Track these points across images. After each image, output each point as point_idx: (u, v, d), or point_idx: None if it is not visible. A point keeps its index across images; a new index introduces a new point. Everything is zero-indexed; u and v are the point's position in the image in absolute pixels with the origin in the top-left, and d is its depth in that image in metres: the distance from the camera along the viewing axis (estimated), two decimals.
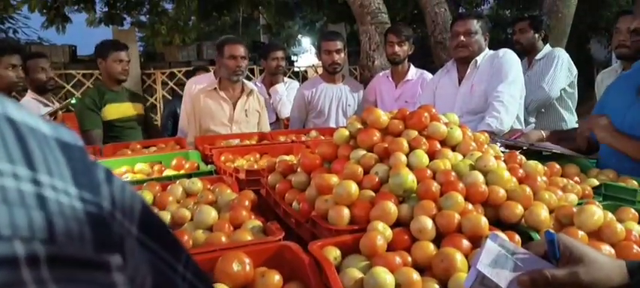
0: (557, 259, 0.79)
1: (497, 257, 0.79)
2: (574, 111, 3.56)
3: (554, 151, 1.87)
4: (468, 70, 2.83)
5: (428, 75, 3.50)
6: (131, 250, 0.31)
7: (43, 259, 0.25)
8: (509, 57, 2.76)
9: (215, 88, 3.19)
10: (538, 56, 3.52)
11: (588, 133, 1.87)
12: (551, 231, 0.82)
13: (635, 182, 1.63)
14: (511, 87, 2.64)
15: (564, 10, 4.99)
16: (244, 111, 3.21)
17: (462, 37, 2.78)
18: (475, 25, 2.80)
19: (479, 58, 2.81)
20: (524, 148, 1.90)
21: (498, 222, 1.24)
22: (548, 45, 3.60)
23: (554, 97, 3.40)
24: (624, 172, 1.71)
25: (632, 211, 1.31)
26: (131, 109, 3.27)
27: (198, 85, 3.49)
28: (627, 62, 2.90)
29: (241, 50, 3.11)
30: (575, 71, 3.46)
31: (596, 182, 1.64)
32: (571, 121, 3.50)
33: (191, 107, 3.27)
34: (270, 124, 3.97)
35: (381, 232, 1.11)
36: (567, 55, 3.49)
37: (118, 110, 3.21)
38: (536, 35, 3.54)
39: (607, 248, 1.10)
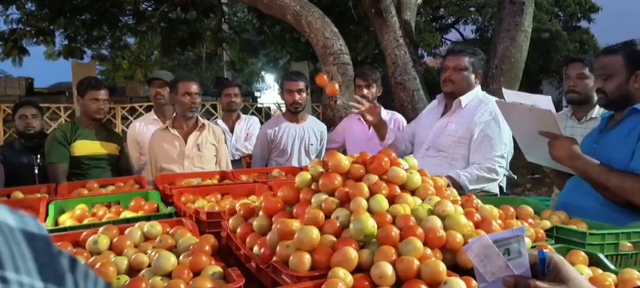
0: (544, 275, 0.83)
1: (488, 251, 0.84)
2: None
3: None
4: (453, 106, 2.77)
5: (399, 116, 3.64)
6: None
7: None
8: (504, 125, 2.58)
9: (167, 127, 3.21)
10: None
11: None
12: (545, 250, 0.85)
13: (585, 224, 1.71)
14: (502, 160, 2.61)
15: (517, 55, 5.22)
16: (196, 146, 3.21)
17: (449, 72, 2.74)
18: (466, 61, 2.73)
19: (464, 99, 2.72)
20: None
21: (456, 266, 1.26)
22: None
23: None
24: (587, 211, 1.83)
25: (582, 254, 1.37)
26: (102, 148, 3.24)
27: (146, 124, 3.56)
28: (577, 106, 3.05)
29: (195, 87, 3.18)
30: None
31: (548, 224, 1.70)
32: None
33: (146, 148, 3.30)
34: (232, 161, 3.97)
35: (342, 279, 1.12)
36: None
37: (88, 147, 3.17)
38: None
39: None
